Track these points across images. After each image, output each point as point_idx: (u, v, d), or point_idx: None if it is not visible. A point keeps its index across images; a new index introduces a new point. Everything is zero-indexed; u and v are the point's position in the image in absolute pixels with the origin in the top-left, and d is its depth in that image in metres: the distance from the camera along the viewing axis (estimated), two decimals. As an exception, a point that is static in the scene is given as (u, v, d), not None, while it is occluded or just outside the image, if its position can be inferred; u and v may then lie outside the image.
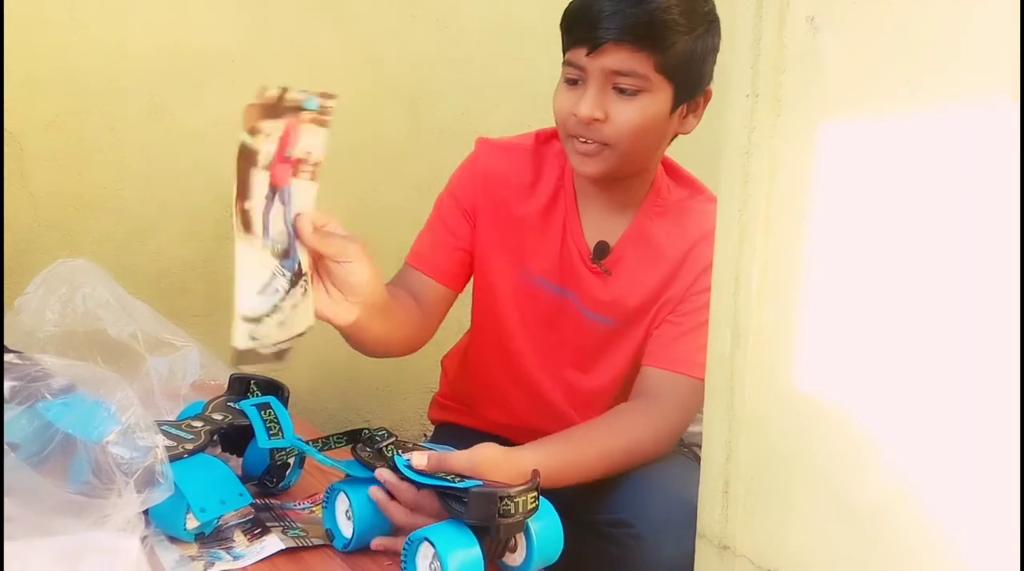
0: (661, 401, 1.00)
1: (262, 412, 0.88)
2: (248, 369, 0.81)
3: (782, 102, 0.66)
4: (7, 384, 0.69)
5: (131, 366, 1.01)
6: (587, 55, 0.95)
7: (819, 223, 0.64)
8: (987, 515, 0.52)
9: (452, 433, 1.18)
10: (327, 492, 0.81)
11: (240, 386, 0.95)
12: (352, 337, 0.96)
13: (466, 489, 0.72)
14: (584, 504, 0.99)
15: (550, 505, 0.78)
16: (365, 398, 1.66)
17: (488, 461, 0.79)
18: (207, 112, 1.44)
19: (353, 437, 0.84)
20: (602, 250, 1.06)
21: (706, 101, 1.03)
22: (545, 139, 1.11)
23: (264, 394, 0.93)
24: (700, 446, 1.19)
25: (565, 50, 0.99)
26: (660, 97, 0.96)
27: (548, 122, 1.13)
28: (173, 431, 0.83)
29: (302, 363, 1.52)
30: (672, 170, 1.10)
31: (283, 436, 0.86)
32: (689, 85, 0.98)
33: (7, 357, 0.90)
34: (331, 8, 1.51)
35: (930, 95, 0.56)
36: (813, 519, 0.63)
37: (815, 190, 0.64)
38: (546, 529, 0.76)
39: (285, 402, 0.93)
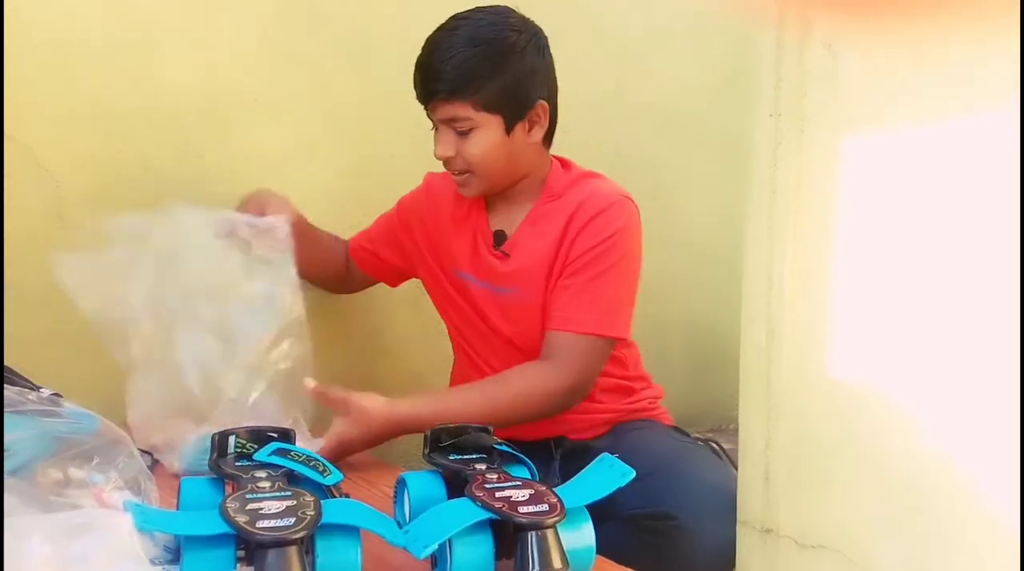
0: (556, 358, 1.13)
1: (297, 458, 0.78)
2: None
3: (805, 120, 0.74)
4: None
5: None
6: (427, 109, 1.18)
7: (845, 227, 0.71)
8: None
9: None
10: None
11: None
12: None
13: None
14: (620, 501, 1.03)
15: (588, 518, 0.75)
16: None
17: (360, 403, 1.01)
18: (234, 150, 1.50)
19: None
20: (500, 237, 1.23)
21: (544, 113, 1.18)
22: None
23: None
24: (717, 442, 1.26)
25: None
26: (491, 128, 1.15)
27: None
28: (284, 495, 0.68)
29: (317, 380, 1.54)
30: (566, 165, 1.26)
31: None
32: (516, 109, 1.16)
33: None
34: (349, 50, 1.58)
35: (947, 113, 0.64)
36: (854, 495, 0.69)
37: (840, 198, 0.71)
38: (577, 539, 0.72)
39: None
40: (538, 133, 1.19)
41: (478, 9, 1.20)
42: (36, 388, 0.97)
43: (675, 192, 1.93)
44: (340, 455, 1.03)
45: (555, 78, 1.22)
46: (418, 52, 1.67)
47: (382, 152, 1.63)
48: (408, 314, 1.65)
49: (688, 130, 1.97)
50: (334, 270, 1.40)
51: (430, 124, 1.70)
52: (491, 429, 0.86)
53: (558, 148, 1.31)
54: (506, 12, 1.18)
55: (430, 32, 1.66)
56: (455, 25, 1.17)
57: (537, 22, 1.22)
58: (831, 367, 0.71)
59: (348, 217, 1.58)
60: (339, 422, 1.03)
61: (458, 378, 1.35)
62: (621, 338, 1.17)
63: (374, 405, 1.04)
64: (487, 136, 1.15)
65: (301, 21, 1.54)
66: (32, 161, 1.36)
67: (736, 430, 0.81)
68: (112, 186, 1.41)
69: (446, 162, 1.19)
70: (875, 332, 0.68)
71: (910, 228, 0.67)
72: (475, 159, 1.16)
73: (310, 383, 1.03)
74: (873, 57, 0.68)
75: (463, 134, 1.16)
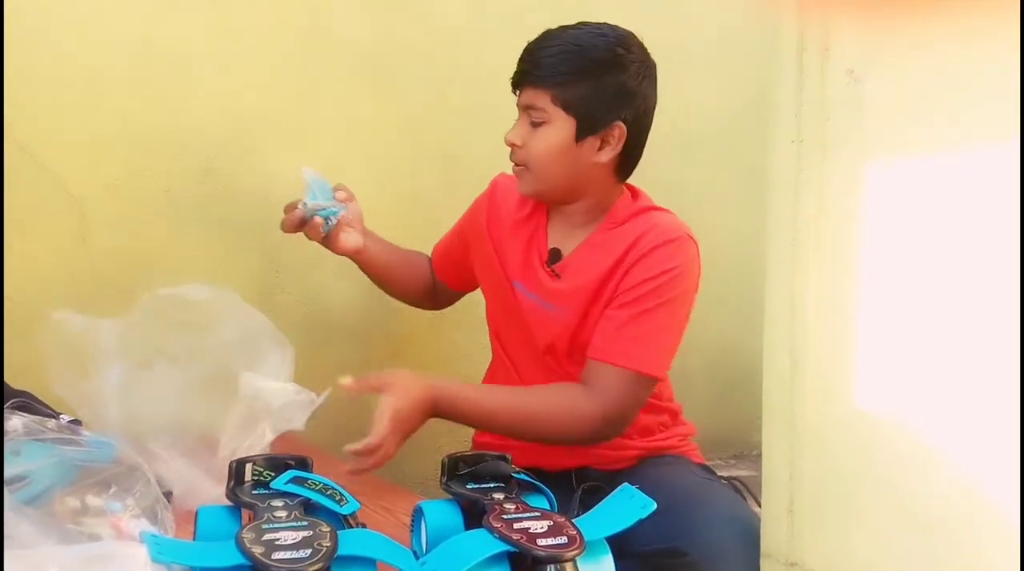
0: (593, 387, 1.12)
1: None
2: None
3: (827, 146, 0.73)
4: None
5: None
6: (515, 94, 1.19)
7: (869, 254, 0.70)
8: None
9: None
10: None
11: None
12: (373, 271, 1.35)
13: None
14: (633, 536, 1.02)
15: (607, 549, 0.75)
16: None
17: (398, 376, 1.02)
18: (255, 173, 1.51)
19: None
20: (555, 255, 1.23)
21: (620, 137, 1.16)
22: None
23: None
24: (740, 480, 1.24)
25: None
26: (562, 127, 1.15)
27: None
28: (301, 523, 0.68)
29: (328, 415, 1.54)
30: (636, 195, 1.25)
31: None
32: (590, 119, 1.15)
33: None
34: (371, 73, 1.60)
35: (971, 138, 0.63)
36: (880, 529, 0.67)
37: (864, 224, 0.70)
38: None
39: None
40: (607, 154, 1.17)
41: (607, 24, 1.20)
42: (56, 415, 0.98)
43: (696, 214, 1.89)
44: (398, 430, 1.00)
45: (649, 112, 1.21)
46: (439, 78, 1.70)
47: (404, 175, 1.64)
48: (424, 338, 1.65)
49: (709, 152, 1.96)
50: (422, 286, 1.41)
51: (453, 147, 1.73)
52: (509, 457, 0.85)
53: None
54: (628, 35, 1.18)
55: (452, 56, 1.69)
56: (574, 26, 1.18)
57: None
58: (856, 397, 0.69)
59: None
60: (384, 399, 1.01)
61: (491, 383, 1.33)
62: (656, 377, 1.15)
63: (410, 374, 1.06)
64: (554, 134, 1.15)
65: (324, 46, 1.55)
66: (58, 185, 1.39)
67: (759, 456, 0.80)
68: (136, 210, 1.42)
69: (512, 150, 1.19)
70: (900, 362, 0.67)
71: (935, 255, 0.66)
72: (536, 154, 1.16)
73: (345, 380, 1.02)
74: (895, 82, 0.67)
75: (535, 126, 1.16)
